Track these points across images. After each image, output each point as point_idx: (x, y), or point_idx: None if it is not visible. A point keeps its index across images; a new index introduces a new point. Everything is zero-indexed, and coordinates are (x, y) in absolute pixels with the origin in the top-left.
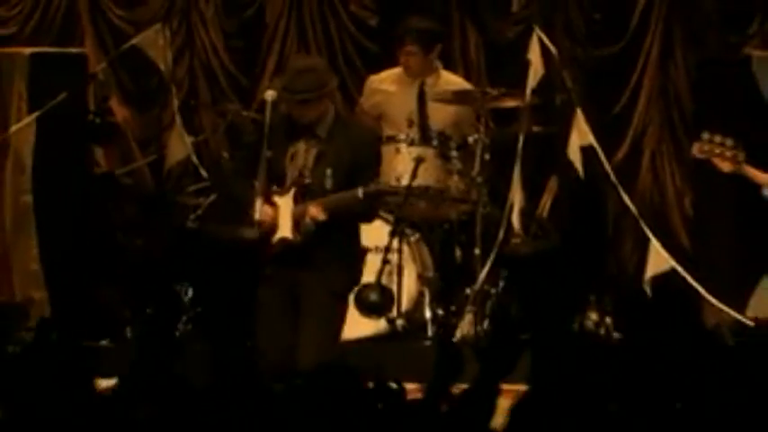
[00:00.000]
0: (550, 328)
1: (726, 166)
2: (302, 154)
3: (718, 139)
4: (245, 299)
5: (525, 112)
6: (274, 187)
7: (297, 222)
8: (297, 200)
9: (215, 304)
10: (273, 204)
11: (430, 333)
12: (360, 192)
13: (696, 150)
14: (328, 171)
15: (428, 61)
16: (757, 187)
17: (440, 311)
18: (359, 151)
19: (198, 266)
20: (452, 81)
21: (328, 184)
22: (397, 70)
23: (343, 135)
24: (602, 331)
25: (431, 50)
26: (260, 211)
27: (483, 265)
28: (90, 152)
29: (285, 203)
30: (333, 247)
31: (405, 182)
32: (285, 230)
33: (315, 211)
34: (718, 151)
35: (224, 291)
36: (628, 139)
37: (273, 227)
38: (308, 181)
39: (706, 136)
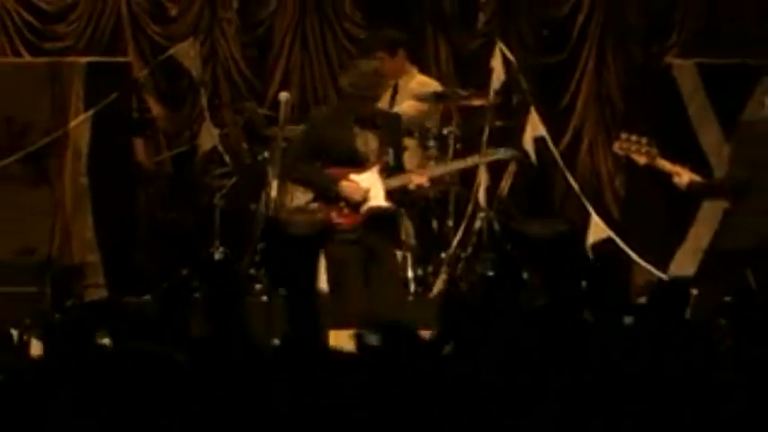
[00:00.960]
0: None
1: (641, 160)
2: (369, 139)
3: (634, 137)
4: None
5: (489, 109)
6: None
7: (389, 192)
8: (383, 174)
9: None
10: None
11: (412, 289)
12: (474, 161)
13: (616, 147)
14: (390, 151)
15: (397, 64)
16: (668, 176)
17: (420, 272)
18: (403, 134)
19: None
20: (425, 82)
21: (391, 161)
22: None
23: (388, 122)
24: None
25: (395, 54)
26: (346, 188)
27: (455, 234)
28: (132, 142)
29: (370, 178)
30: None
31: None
32: (378, 200)
33: (421, 180)
34: (634, 148)
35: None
36: (570, 131)
37: (364, 198)
38: (386, 159)
39: (624, 135)
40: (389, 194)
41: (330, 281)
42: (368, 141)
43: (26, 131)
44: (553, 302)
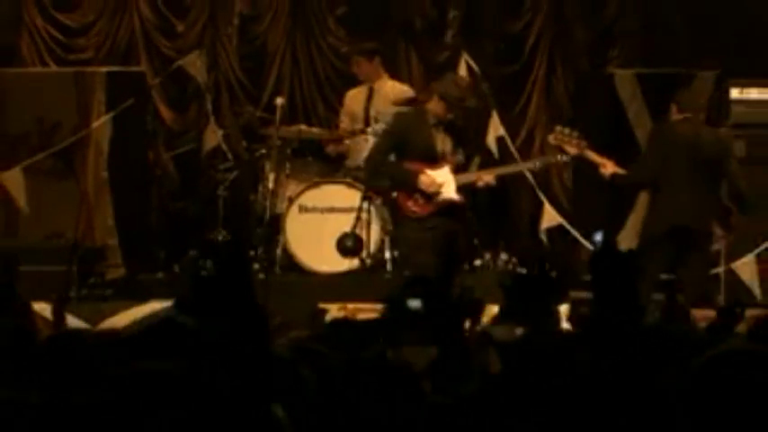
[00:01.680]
0: None
1: (572, 151)
2: (444, 140)
3: (567, 131)
4: None
5: (456, 113)
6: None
7: (459, 187)
8: (454, 171)
9: None
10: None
11: (389, 268)
12: (534, 164)
13: (551, 139)
14: (460, 150)
15: (372, 68)
16: (596, 167)
17: (395, 253)
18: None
19: None
20: (397, 87)
21: (460, 161)
22: (359, 86)
23: (452, 125)
24: (510, 267)
25: (372, 59)
26: (424, 181)
27: None
28: (147, 141)
29: (444, 174)
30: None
31: None
32: (450, 193)
33: (488, 178)
34: (566, 140)
35: None
36: (524, 131)
37: (438, 191)
38: (459, 158)
39: (558, 128)
40: (459, 189)
41: (401, 259)
42: (444, 142)
43: (55, 131)
44: None
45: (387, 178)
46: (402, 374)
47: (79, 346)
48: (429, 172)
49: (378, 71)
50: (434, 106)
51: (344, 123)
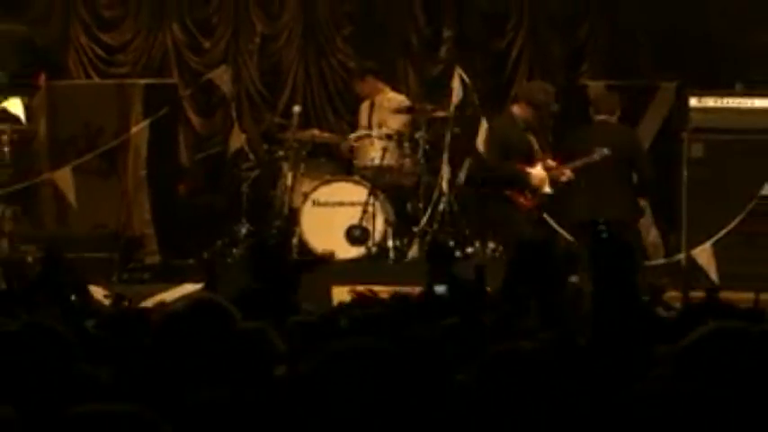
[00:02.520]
0: None
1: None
2: (534, 140)
3: (550, 163)
4: None
5: (450, 119)
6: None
7: (552, 181)
8: (546, 169)
9: None
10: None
11: (392, 255)
12: (597, 155)
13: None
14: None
15: (367, 85)
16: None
17: (398, 242)
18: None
19: None
20: (395, 98)
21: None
22: (366, 100)
23: (538, 127)
24: (497, 254)
25: (364, 78)
26: (535, 178)
27: (424, 213)
28: (178, 145)
29: (540, 171)
30: None
31: (377, 162)
32: (548, 188)
33: (570, 174)
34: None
35: None
36: None
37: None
38: (548, 156)
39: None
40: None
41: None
42: (533, 142)
43: (99, 135)
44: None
45: (502, 179)
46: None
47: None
48: (529, 170)
49: (375, 86)
50: (523, 111)
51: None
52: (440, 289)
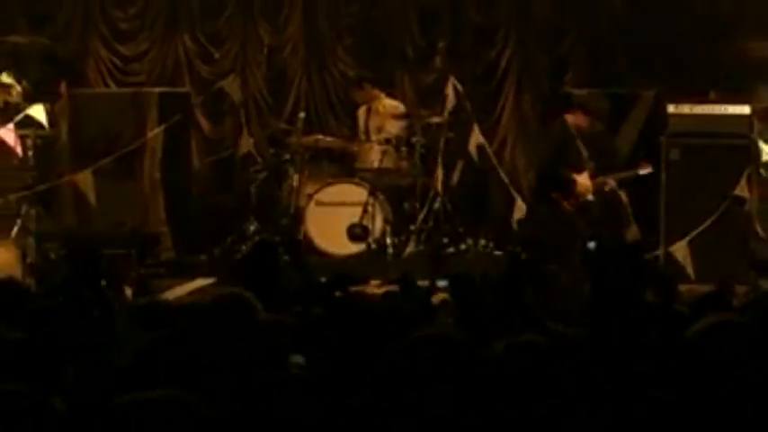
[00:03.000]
0: None
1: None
2: (586, 150)
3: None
4: None
5: (444, 125)
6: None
7: (595, 189)
8: (591, 177)
9: None
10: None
11: (390, 252)
12: (642, 169)
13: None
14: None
15: (365, 93)
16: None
17: (396, 240)
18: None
19: None
20: (391, 104)
21: (592, 167)
22: (363, 106)
23: (589, 136)
24: (489, 250)
25: (361, 85)
26: (583, 185)
27: (420, 212)
28: (191, 149)
29: (586, 178)
30: None
31: (376, 165)
32: (590, 195)
33: (613, 183)
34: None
35: None
36: (497, 139)
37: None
38: (593, 164)
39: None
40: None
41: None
42: (582, 150)
43: (117, 140)
44: None
45: (554, 184)
46: None
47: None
48: (576, 177)
49: (371, 93)
50: (577, 119)
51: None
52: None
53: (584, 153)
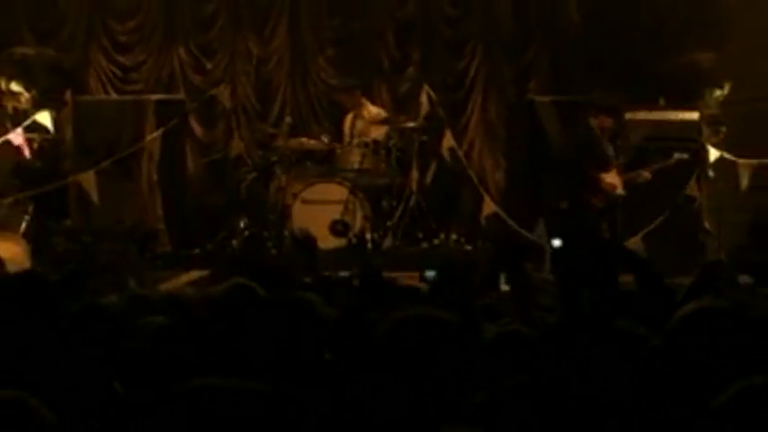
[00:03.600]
0: None
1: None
2: (612, 149)
3: (632, 174)
4: None
5: (418, 129)
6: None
7: (627, 183)
8: (619, 173)
9: None
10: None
11: (369, 246)
12: (674, 158)
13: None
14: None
15: (354, 99)
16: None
17: (374, 235)
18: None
19: None
20: (372, 110)
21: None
22: (351, 112)
23: (613, 134)
24: (460, 244)
25: (351, 92)
26: (611, 182)
27: (397, 210)
28: (186, 152)
29: (614, 175)
30: None
31: (356, 166)
32: (621, 189)
33: (647, 175)
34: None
35: None
36: (466, 142)
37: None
38: (620, 161)
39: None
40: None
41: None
42: (609, 148)
43: (117, 143)
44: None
45: (581, 184)
46: None
47: None
48: (604, 175)
49: (359, 100)
50: (603, 121)
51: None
52: (429, 275)
53: (611, 152)
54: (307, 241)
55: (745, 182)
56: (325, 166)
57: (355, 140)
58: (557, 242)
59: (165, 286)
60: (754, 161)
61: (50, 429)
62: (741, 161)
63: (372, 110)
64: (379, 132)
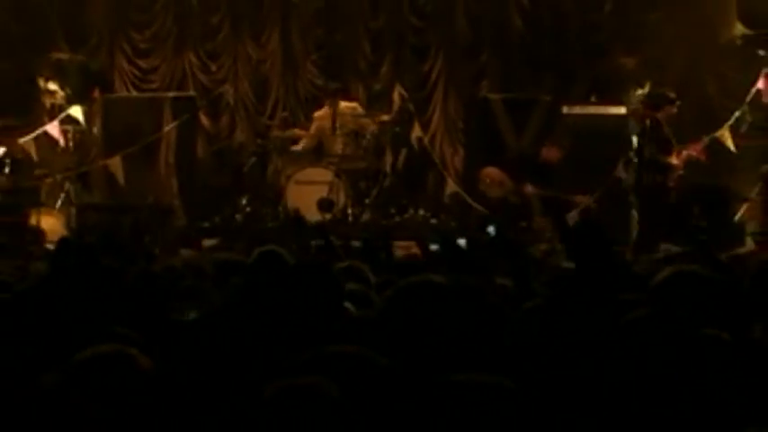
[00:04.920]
0: None
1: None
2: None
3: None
4: None
5: (391, 122)
6: None
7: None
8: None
9: None
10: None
11: (350, 220)
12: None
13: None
14: None
15: (332, 97)
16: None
17: (355, 210)
18: None
19: None
20: (352, 106)
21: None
22: (324, 108)
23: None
24: (426, 218)
25: (335, 95)
26: (677, 164)
27: (373, 189)
28: (196, 141)
29: (675, 158)
30: None
31: (339, 153)
32: (681, 170)
33: (694, 153)
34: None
35: None
36: (430, 133)
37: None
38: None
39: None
40: None
41: None
42: (672, 137)
43: (139, 133)
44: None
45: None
46: None
47: None
48: (673, 160)
49: (336, 98)
50: (668, 111)
51: (312, 130)
52: (432, 246)
53: (673, 138)
54: (297, 218)
55: None
56: (314, 152)
57: (339, 131)
58: (491, 229)
59: (182, 253)
60: None
61: (148, 375)
62: None
63: (349, 106)
64: (357, 124)
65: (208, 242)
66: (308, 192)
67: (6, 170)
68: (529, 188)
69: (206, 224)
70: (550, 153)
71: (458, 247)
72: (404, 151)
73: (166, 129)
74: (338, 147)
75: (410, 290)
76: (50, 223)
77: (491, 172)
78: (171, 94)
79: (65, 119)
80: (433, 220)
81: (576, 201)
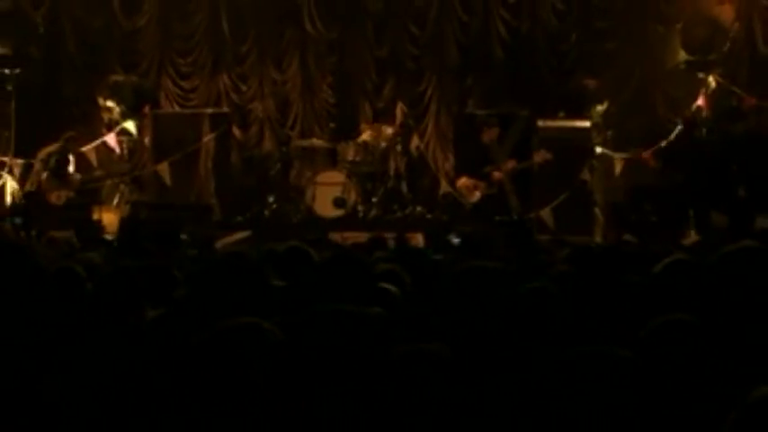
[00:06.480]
0: None
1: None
2: None
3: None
4: None
5: (395, 133)
6: None
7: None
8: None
9: None
10: None
11: (360, 216)
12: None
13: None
14: None
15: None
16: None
17: (364, 207)
18: None
19: None
20: (388, 128)
21: None
22: None
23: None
24: (423, 214)
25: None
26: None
27: (379, 190)
28: (230, 149)
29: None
30: None
31: (351, 159)
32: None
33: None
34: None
35: None
36: (425, 142)
37: None
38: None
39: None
40: None
41: None
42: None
43: (183, 143)
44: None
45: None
46: None
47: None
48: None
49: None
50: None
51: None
52: (454, 240)
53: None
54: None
55: (618, 169)
56: (329, 158)
57: (351, 142)
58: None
59: (218, 244)
60: (624, 155)
61: (280, 346)
62: (615, 155)
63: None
64: (368, 135)
65: (241, 234)
66: (325, 191)
67: (78, 175)
68: (497, 174)
69: (239, 219)
70: (543, 155)
71: (479, 239)
72: (405, 158)
73: (205, 139)
74: (350, 154)
75: (469, 272)
76: (109, 219)
77: (464, 182)
78: (209, 111)
79: (120, 131)
80: (429, 215)
81: (537, 157)
